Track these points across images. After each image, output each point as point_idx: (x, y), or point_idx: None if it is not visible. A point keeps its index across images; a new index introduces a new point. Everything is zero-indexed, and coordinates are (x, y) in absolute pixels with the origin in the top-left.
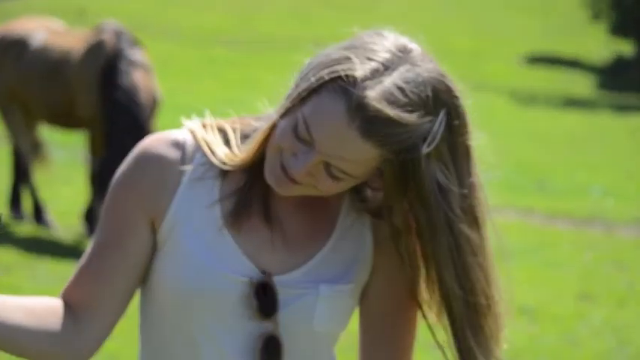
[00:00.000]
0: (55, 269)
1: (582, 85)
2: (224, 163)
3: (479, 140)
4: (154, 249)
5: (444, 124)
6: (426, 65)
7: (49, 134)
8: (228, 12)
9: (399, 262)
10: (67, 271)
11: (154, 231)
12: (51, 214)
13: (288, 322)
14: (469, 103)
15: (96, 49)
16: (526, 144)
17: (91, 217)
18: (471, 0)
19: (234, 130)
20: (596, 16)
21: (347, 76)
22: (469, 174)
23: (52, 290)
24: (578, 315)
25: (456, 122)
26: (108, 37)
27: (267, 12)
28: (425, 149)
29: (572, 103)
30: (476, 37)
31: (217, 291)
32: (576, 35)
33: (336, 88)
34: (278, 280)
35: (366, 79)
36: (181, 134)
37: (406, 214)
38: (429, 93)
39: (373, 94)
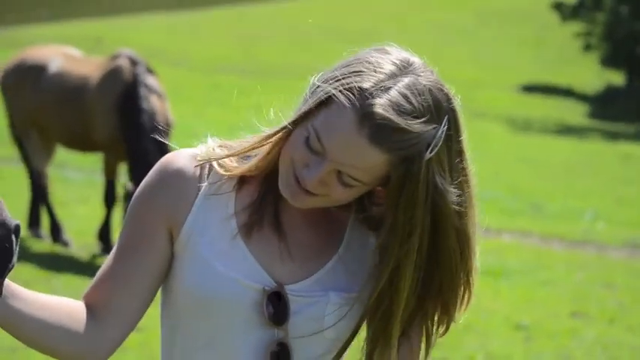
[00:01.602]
0: (71, 285)
1: (575, 113)
2: (229, 171)
3: (476, 165)
4: (171, 256)
5: (445, 131)
6: (427, 75)
7: (65, 155)
8: (234, 42)
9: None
10: (82, 286)
11: (171, 240)
12: (67, 232)
13: (298, 330)
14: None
15: (113, 75)
16: (522, 169)
17: (105, 235)
18: (469, 32)
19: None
20: (588, 47)
21: (355, 87)
22: (461, 174)
23: None
24: (572, 332)
25: (454, 128)
26: (124, 64)
27: (269, 42)
28: (427, 155)
29: (566, 130)
30: (474, 67)
31: (231, 298)
32: (569, 66)
33: (344, 100)
34: (289, 289)
35: (372, 89)
36: (199, 150)
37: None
38: (431, 102)
39: (380, 103)
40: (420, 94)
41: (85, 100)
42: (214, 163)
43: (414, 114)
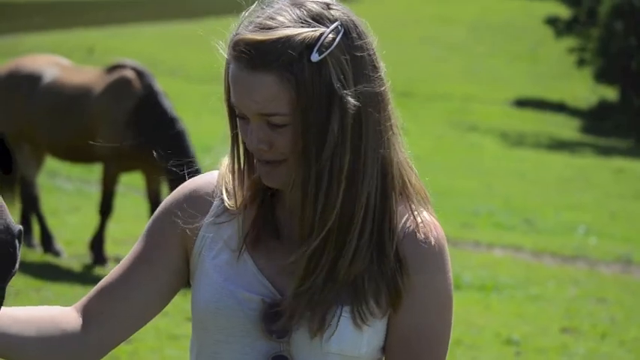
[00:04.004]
0: (62, 294)
1: (568, 128)
2: (229, 204)
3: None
4: (182, 275)
5: (337, 35)
6: (317, 3)
7: (55, 165)
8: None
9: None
10: (73, 296)
11: (186, 259)
12: (58, 242)
13: (300, 343)
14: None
15: (120, 86)
16: (514, 184)
17: (97, 245)
18: (462, 46)
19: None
20: (582, 62)
21: (229, 38)
22: (373, 84)
23: None
24: (563, 347)
25: (353, 35)
26: (130, 75)
27: None
28: (315, 56)
29: (559, 145)
30: (467, 81)
31: (231, 310)
32: (563, 81)
33: (226, 54)
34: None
35: (240, 27)
36: (216, 172)
37: None
38: (307, 14)
39: (243, 31)
40: (291, 12)
41: (87, 112)
42: (224, 195)
43: (279, 26)
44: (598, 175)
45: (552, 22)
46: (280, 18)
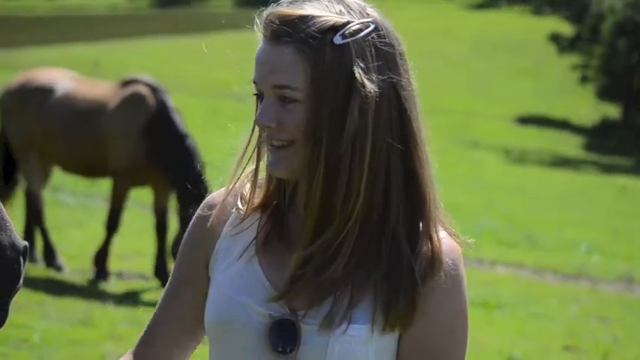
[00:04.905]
0: (64, 309)
1: (571, 145)
2: (243, 213)
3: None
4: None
5: (365, 28)
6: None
7: (59, 179)
8: (232, 67)
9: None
10: (75, 311)
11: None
12: (61, 256)
13: (305, 359)
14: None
15: (134, 101)
16: (516, 200)
17: (101, 260)
18: (465, 62)
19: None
20: (584, 80)
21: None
22: (395, 76)
23: (60, 329)
24: None
25: (382, 33)
26: (144, 90)
27: None
28: (338, 39)
29: (561, 162)
30: (470, 97)
31: (240, 322)
32: (566, 98)
33: (257, 31)
34: (302, 316)
35: (276, 5)
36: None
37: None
38: (344, 7)
39: (275, 7)
40: (329, 2)
41: (101, 126)
42: (239, 204)
43: (314, 7)
44: (600, 193)
45: (555, 38)
46: (315, 3)
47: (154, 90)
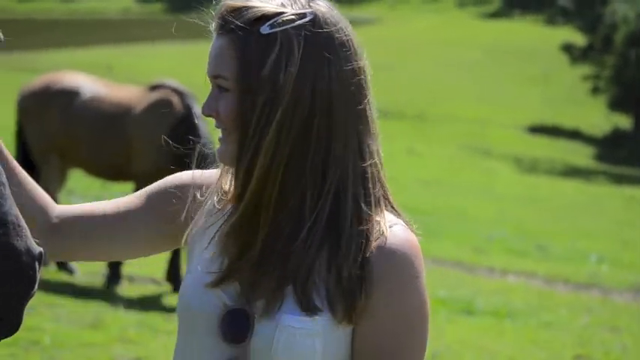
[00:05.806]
0: (75, 312)
1: (582, 155)
2: (219, 199)
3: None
4: (144, 232)
5: (300, 19)
6: None
7: (72, 182)
8: None
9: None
10: (86, 314)
11: (180, 227)
12: None
13: (256, 350)
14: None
15: (161, 106)
16: (528, 210)
17: (115, 263)
18: (478, 71)
19: None
20: (596, 90)
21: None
22: (325, 64)
23: (71, 332)
24: None
25: (322, 25)
26: (171, 95)
27: None
28: (265, 29)
29: (572, 172)
30: (482, 105)
31: (201, 309)
32: (577, 107)
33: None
34: (254, 307)
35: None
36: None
37: None
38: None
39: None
40: None
41: (126, 130)
42: (215, 195)
43: (259, 0)
44: (611, 203)
45: (568, 48)
46: None
47: (181, 95)
